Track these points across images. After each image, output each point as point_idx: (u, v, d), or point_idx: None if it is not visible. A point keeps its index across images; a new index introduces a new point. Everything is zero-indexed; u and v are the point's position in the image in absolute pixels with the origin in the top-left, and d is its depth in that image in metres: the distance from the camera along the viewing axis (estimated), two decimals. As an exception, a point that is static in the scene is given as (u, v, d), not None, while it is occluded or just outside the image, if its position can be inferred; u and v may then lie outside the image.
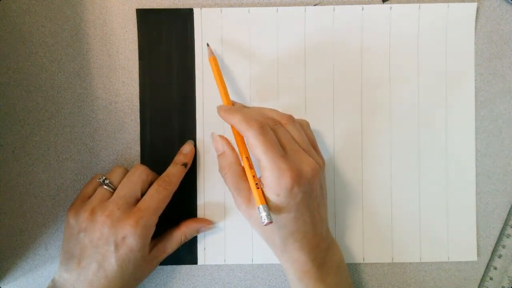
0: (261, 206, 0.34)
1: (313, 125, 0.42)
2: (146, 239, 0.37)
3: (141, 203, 0.38)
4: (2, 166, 0.42)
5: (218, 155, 0.40)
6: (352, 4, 0.43)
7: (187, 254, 0.43)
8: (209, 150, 0.43)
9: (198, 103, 0.43)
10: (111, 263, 0.36)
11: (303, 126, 0.38)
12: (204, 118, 0.43)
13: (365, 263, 0.43)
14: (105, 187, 0.39)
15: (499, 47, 0.43)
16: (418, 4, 0.42)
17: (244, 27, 0.42)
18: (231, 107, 0.38)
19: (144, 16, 0.42)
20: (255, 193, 0.35)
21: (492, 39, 0.43)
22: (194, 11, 0.42)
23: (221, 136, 0.40)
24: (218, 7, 0.42)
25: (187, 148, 0.42)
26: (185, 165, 0.41)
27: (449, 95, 0.43)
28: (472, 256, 0.43)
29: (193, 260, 0.43)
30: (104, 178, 0.39)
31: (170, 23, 0.42)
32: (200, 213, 0.43)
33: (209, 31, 0.42)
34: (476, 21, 0.43)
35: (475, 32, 0.43)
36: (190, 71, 0.42)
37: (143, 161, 0.43)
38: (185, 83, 0.42)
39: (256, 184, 0.35)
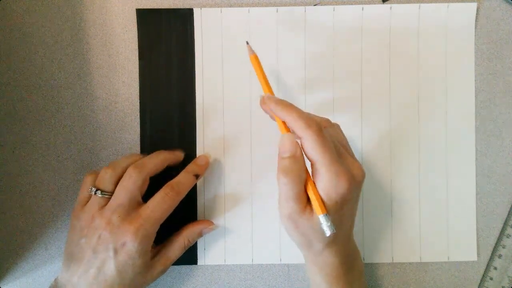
0: (323, 216, 0.32)
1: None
2: (147, 246, 0.37)
3: (144, 210, 0.37)
4: (2, 166, 0.42)
5: (286, 157, 0.34)
6: (352, 4, 0.43)
7: (187, 254, 0.42)
8: (210, 149, 0.43)
9: (198, 102, 0.43)
10: (111, 268, 0.36)
11: (340, 129, 0.38)
12: (204, 118, 0.43)
13: (365, 263, 0.43)
14: (99, 196, 0.37)
15: (499, 47, 0.43)
16: (418, 4, 0.42)
17: (244, 27, 0.42)
18: (285, 101, 0.35)
19: (144, 16, 0.42)
20: (319, 201, 0.33)
21: (492, 39, 0.43)
22: (194, 11, 0.42)
23: (292, 136, 0.34)
24: (218, 7, 0.42)
25: (202, 159, 0.41)
26: (196, 176, 0.40)
27: (449, 95, 0.43)
28: (472, 256, 0.43)
29: (193, 260, 0.43)
30: (95, 189, 0.38)
31: (170, 23, 0.42)
32: (200, 213, 0.43)
33: (209, 31, 0.42)
34: (476, 21, 0.43)
35: (475, 32, 0.43)
36: (190, 71, 0.42)
37: (143, 161, 0.43)
38: (185, 83, 0.42)
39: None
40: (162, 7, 0.42)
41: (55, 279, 0.38)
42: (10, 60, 0.42)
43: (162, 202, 0.37)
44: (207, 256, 0.43)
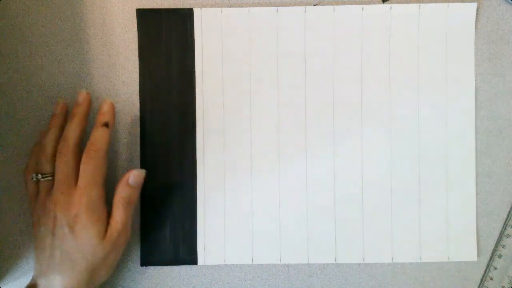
0: None
1: (312, 123, 0.42)
2: (95, 213, 0.37)
3: (79, 181, 0.37)
4: (2, 166, 0.42)
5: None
6: (352, 4, 0.43)
7: (187, 254, 0.43)
8: (210, 150, 0.43)
9: (198, 103, 0.43)
10: (71, 245, 0.36)
11: None
12: (204, 118, 0.43)
13: (365, 263, 0.43)
14: (42, 180, 0.38)
15: (499, 47, 0.43)
16: (418, 4, 0.42)
17: (244, 27, 0.42)
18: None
19: (144, 16, 0.42)
20: None
21: (492, 39, 0.43)
22: (194, 11, 0.42)
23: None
24: (218, 7, 0.42)
25: (104, 106, 0.39)
26: (106, 125, 0.39)
27: (449, 95, 0.43)
28: (472, 256, 0.43)
29: (193, 260, 0.43)
30: (36, 175, 0.38)
31: (170, 23, 0.42)
32: (200, 212, 0.43)
33: (209, 31, 0.42)
34: (476, 21, 0.43)
35: (475, 32, 0.43)
36: (190, 71, 0.42)
37: (144, 160, 0.43)
38: (185, 83, 0.42)
39: None
40: (162, 7, 0.42)
41: (32, 277, 0.38)
42: (10, 60, 0.42)
43: (87, 166, 0.37)
44: (207, 256, 0.43)
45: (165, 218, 0.43)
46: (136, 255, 0.43)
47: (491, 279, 0.43)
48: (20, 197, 0.42)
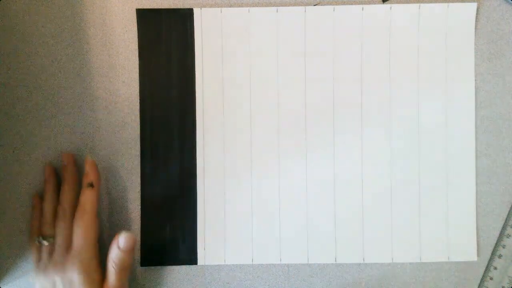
0: None
1: (311, 123, 0.42)
2: (89, 276, 0.38)
3: (73, 244, 0.38)
4: (2, 166, 0.42)
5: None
6: (352, 4, 0.43)
7: (187, 254, 0.43)
8: (210, 150, 0.43)
9: (198, 103, 0.43)
10: None
11: None
12: (204, 117, 0.43)
13: (365, 263, 0.43)
14: (46, 244, 0.39)
15: (499, 47, 0.43)
16: (418, 4, 0.42)
17: (244, 27, 0.42)
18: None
19: (144, 16, 0.42)
20: None
21: (492, 39, 0.43)
22: (194, 11, 0.42)
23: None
24: (218, 7, 0.42)
25: (86, 166, 0.40)
26: (91, 185, 0.40)
27: (449, 95, 0.43)
28: (472, 256, 0.43)
29: (193, 260, 0.43)
30: (38, 238, 0.40)
31: (170, 23, 0.42)
32: (200, 213, 0.43)
33: (209, 31, 0.42)
34: (476, 21, 0.43)
35: (475, 32, 0.43)
36: (190, 71, 0.42)
37: (143, 161, 0.43)
38: (185, 83, 0.42)
39: None
40: (162, 7, 0.42)
41: None
42: (10, 60, 0.42)
43: (78, 228, 0.38)
44: (207, 256, 0.43)
45: (165, 218, 0.43)
46: (136, 255, 0.43)
47: (491, 279, 0.43)
48: (20, 197, 0.42)
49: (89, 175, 0.40)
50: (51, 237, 0.40)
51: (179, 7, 0.43)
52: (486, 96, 0.43)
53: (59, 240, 0.39)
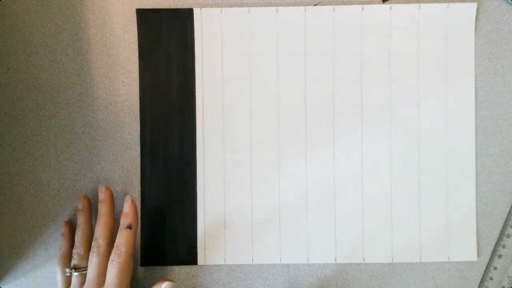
0: None
1: (311, 123, 0.42)
2: None
3: (106, 281, 0.39)
4: (2, 166, 0.42)
5: None
6: (352, 4, 0.43)
7: (187, 254, 0.43)
8: (210, 149, 0.43)
9: (198, 103, 0.43)
10: None
11: None
12: (204, 118, 0.43)
13: (365, 263, 0.43)
14: (76, 274, 0.40)
15: (499, 47, 0.43)
16: (418, 4, 0.42)
17: (244, 27, 0.42)
18: None
19: (144, 16, 0.42)
20: None
21: (492, 39, 0.43)
22: (194, 11, 0.42)
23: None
24: (218, 7, 0.42)
25: (126, 207, 0.41)
26: (129, 227, 0.40)
27: (449, 95, 0.43)
28: (472, 256, 0.43)
29: (193, 260, 0.43)
30: (70, 270, 0.40)
31: (170, 23, 0.42)
32: (200, 213, 0.43)
33: (209, 31, 0.42)
34: (476, 21, 0.43)
35: (475, 32, 0.43)
36: (190, 71, 0.42)
37: (143, 161, 0.43)
38: (185, 83, 0.42)
39: None
40: (162, 7, 0.42)
41: None
42: (10, 60, 0.42)
43: (113, 269, 0.39)
44: (207, 256, 0.43)
45: (165, 218, 0.43)
46: (136, 255, 0.43)
47: (491, 279, 0.43)
48: (20, 197, 0.42)
49: (129, 216, 0.40)
50: (83, 269, 0.40)
51: (179, 7, 0.43)
52: (486, 96, 0.43)
53: (92, 274, 0.39)
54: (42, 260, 0.43)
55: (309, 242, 0.43)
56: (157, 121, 0.43)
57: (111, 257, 0.39)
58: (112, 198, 0.41)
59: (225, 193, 0.43)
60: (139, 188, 0.43)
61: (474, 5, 0.42)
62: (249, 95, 0.43)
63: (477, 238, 0.43)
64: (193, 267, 0.43)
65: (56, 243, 0.43)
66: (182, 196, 0.43)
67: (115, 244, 0.39)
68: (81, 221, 0.41)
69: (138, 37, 0.42)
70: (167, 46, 0.42)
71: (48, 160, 0.43)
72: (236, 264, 0.43)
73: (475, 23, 0.43)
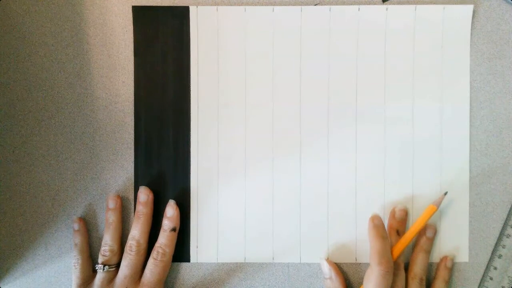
0: None
1: (306, 123, 0.42)
2: None
3: (144, 278, 0.40)
4: (2, 166, 0.43)
5: (326, 278, 0.42)
6: (352, 4, 0.43)
7: (179, 251, 0.43)
8: (204, 148, 0.43)
9: (193, 100, 0.43)
10: None
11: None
12: (198, 116, 0.43)
13: (366, 263, 0.43)
14: (107, 270, 0.41)
15: (499, 47, 0.43)
16: (414, 6, 0.42)
17: (240, 25, 0.42)
18: (379, 229, 0.40)
19: (140, 13, 0.42)
20: None
21: (492, 39, 0.43)
22: (190, 9, 0.42)
23: (329, 261, 0.42)
24: (214, 5, 0.43)
25: (170, 211, 0.42)
26: (174, 229, 0.41)
27: (445, 97, 0.43)
28: (464, 258, 0.43)
29: (185, 257, 0.43)
30: (103, 266, 0.41)
31: (166, 21, 0.42)
32: (193, 211, 0.43)
33: (205, 29, 0.42)
34: (475, 21, 0.43)
35: (475, 32, 0.43)
36: (185, 68, 0.43)
37: (137, 159, 0.43)
38: (180, 80, 0.43)
39: None
40: (158, 5, 0.43)
41: None
42: (10, 60, 0.42)
43: (155, 267, 0.40)
44: (200, 254, 0.43)
45: (160, 216, 0.43)
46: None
47: (491, 279, 0.43)
48: (20, 197, 0.43)
49: (173, 219, 0.41)
50: (113, 266, 0.41)
51: (175, 4, 0.43)
52: (486, 96, 0.43)
53: (129, 271, 0.40)
54: (42, 260, 0.43)
55: (301, 242, 0.43)
56: (152, 118, 0.43)
57: (154, 255, 0.41)
58: (152, 201, 0.42)
59: (218, 192, 0.43)
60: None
61: (470, 7, 0.42)
62: (244, 93, 0.43)
63: (477, 238, 0.43)
64: (186, 264, 0.43)
65: (56, 243, 0.43)
66: (175, 194, 0.43)
67: (158, 244, 0.41)
68: (113, 219, 0.42)
69: (133, 34, 0.43)
70: (163, 43, 0.42)
71: (48, 160, 0.43)
72: (234, 262, 0.43)
73: (475, 23, 0.43)
